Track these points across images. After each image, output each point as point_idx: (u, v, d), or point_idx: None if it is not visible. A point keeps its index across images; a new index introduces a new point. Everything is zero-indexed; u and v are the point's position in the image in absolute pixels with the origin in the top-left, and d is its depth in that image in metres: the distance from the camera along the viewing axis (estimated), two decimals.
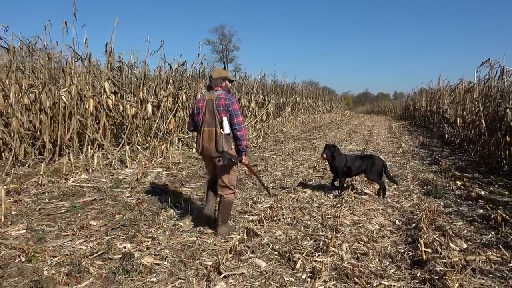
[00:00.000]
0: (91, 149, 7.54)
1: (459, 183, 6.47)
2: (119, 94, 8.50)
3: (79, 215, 4.66)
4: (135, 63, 10.68)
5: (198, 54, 11.83)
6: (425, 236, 3.83)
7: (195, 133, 4.27)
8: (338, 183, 5.73)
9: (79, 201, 5.16)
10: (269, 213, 4.73)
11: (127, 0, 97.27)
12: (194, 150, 9.25)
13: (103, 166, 7.09)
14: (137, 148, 8.02)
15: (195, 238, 3.99)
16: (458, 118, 11.44)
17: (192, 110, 3.98)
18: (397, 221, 4.62)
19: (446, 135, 13.33)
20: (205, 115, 3.81)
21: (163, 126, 9.53)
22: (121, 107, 8.87)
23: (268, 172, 7.38)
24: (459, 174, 7.23)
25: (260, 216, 4.55)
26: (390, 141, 13.46)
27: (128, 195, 5.55)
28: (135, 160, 7.60)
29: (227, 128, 3.75)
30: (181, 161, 7.98)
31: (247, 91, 16.21)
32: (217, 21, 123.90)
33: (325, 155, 5.62)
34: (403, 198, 5.62)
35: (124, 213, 4.71)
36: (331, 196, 5.66)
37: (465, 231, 4.29)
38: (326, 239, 3.91)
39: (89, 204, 5.07)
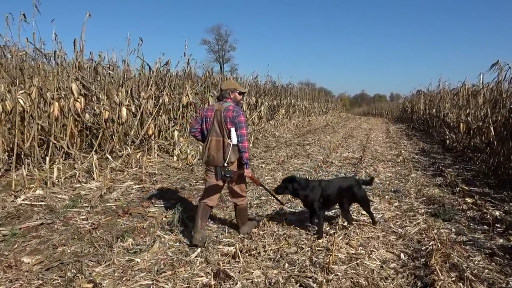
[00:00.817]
0: (52, 158, 6.68)
1: (469, 200, 5.68)
2: (89, 97, 7.64)
3: (15, 246, 3.82)
4: (116, 62, 9.90)
5: (184, 53, 11.00)
6: (439, 284, 3.03)
7: (194, 139, 4.71)
8: (316, 220, 4.28)
9: (22, 226, 4.31)
10: (247, 244, 3.90)
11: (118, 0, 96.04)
12: (175, 158, 8.43)
13: (66, 178, 6.26)
14: (108, 158, 7.15)
15: (150, 282, 3.16)
16: (462, 124, 10.66)
17: (200, 117, 4.05)
18: (402, 255, 3.80)
19: (448, 141, 12.57)
20: (213, 124, 3.90)
21: (142, 132, 8.68)
22: (93, 111, 8.05)
23: (253, 185, 6.55)
24: (467, 188, 6.46)
25: (236, 249, 3.73)
26: (388, 146, 12.69)
27: (84, 217, 4.70)
28: (106, 171, 6.74)
29: (234, 139, 3.83)
30: (157, 172, 7.14)
31: None
32: (213, 22, 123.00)
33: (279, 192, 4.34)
34: (407, 221, 4.81)
35: (70, 244, 3.87)
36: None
37: (486, 270, 3.49)
38: (315, 284, 3.11)
39: (33, 231, 4.23)
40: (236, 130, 3.83)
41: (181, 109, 10.71)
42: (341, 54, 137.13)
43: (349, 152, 10.95)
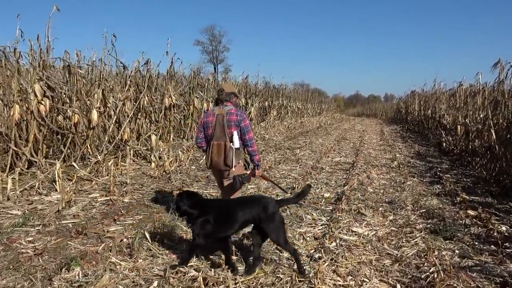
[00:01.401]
0: (12, 167, 6.03)
1: (472, 213, 5.12)
2: (56, 99, 6.99)
3: None
4: (94, 61, 9.25)
5: (167, 52, 10.37)
6: None
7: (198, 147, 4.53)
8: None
9: None
10: (215, 274, 3.29)
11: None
12: (152, 164, 7.79)
13: (25, 190, 5.61)
14: (74, 166, 6.50)
15: None
16: (459, 126, 10.12)
17: (201, 124, 4.05)
18: (398, 285, 3.21)
19: (444, 144, 12.04)
20: (215, 129, 3.90)
21: (117, 136, 8.03)
22: (64, 114, 7.41)
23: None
24: (468, 198, 5.89)
25: (200, 278, 3.11)
26: (382, 150, 12.14)
27: (31, 238, 4.06)
28: (69, 181, 6.10)
29: (237, 143, 3.86)
30: (129, 181, 6.50)
31: None
32: (207, 21, 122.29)
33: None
34: (404, 240, 4.22)
35: (2, 276, 3.23)
36: (308, 238, 4.26)
37: None
38: None
39: None
40: (243, 135, 3.91)
41: (163, 112, 10.09)
42: (337, 54, 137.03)
43: (341, 157, 10.38)
